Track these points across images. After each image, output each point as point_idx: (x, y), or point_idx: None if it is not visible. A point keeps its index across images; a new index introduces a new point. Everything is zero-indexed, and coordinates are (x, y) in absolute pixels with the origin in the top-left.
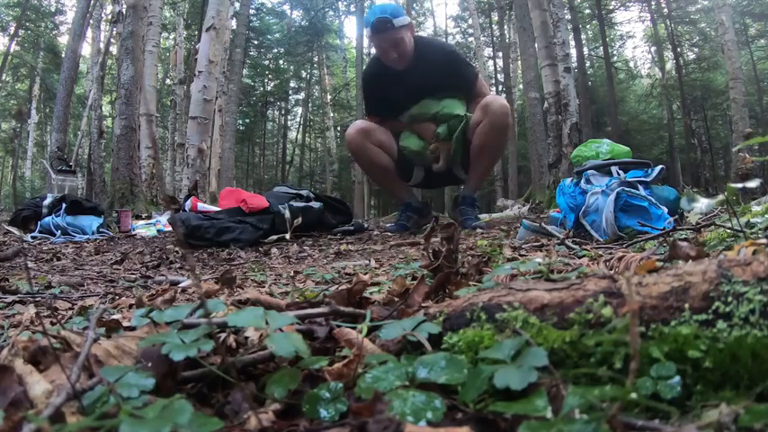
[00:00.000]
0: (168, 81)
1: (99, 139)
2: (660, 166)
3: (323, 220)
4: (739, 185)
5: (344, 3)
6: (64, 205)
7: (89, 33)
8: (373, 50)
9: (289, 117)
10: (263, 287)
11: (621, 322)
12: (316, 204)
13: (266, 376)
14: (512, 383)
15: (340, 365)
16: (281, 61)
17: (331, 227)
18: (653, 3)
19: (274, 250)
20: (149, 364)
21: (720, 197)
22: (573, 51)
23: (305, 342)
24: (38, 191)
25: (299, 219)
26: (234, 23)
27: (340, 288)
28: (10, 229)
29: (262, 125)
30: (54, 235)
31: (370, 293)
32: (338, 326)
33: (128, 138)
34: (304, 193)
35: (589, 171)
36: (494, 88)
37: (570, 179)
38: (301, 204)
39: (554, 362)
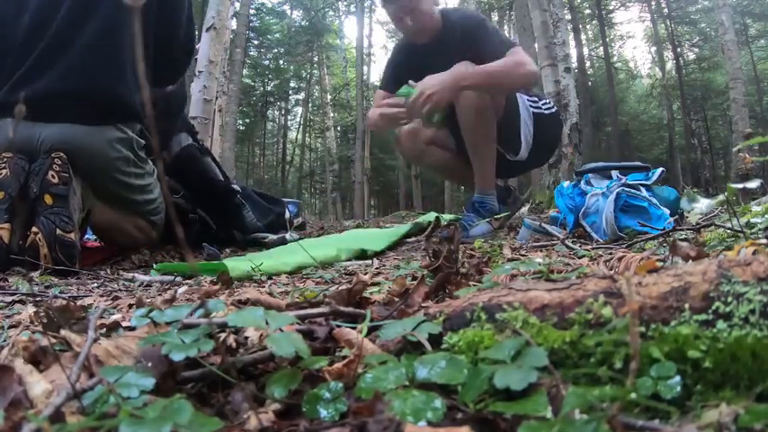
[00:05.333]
0: None
1: None
2: (660, 169)
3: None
4: (739, 185)
5: (344, 3)
6: None
7: None
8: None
9: (289, 117)
10: (263, 287)
11: (621, 322)
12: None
13: (266, 376)
14: (512, 384)
15: (340, 365)
16: (281, 61)
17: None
18: (653, 3)
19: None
20: (149, 364)
21: (720, 197)
22: (573, 51)
23: (305, 342)
24: None
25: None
26: (234, 23)
27: (340, 288)
28: None
29: (262, 125)
30: None
31: (370, 293)
32: (338, 326)
33: None
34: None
35: (590, 174)
36: None
37: (568, 182)
38: None
39: (554, 362)
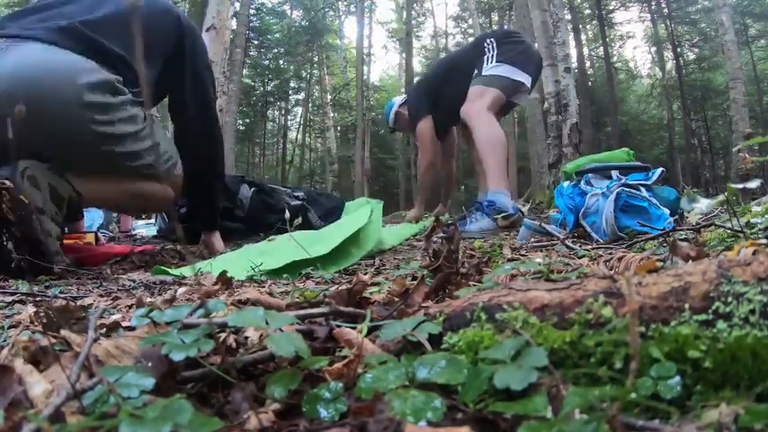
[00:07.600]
0: None
1: None
2: (660, 169)
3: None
4: (739, 185)
5: (344, 3)
6: None
7: None
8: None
9: (289, 117)
10: (263, 287)
11: (621, 322)
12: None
13: (266, 376)
14: (512, 383)
15: (340, 365)
16: (281, 61)
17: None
18: (653, 3)
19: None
20: (149, 364)
21: (720, 197)
22: (573, 51)
23: (305, 342)
24: None
25: (299, 218)
26: (234, 23)
27: (340, 288)
28: None
29: (262, 125)
30: None
31: (370, 293)
32: (338, 326)
33: None
34: (300, 194)
35: (590, 174)
36: None
37: (567, 182)
38: (298, 203)
39: (554, 362)
